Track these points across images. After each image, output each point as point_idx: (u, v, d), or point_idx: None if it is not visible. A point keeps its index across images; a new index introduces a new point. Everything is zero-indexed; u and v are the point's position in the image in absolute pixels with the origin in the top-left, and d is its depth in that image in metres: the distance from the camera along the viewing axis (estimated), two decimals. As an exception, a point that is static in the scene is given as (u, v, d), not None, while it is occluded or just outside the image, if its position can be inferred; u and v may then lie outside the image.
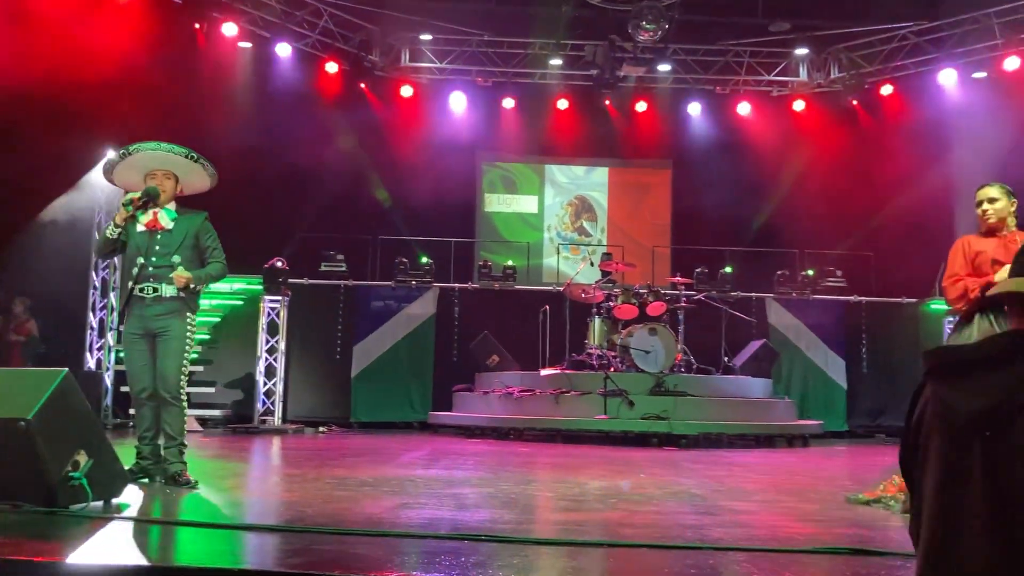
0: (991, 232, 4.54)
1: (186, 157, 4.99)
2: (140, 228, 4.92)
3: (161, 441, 4.95)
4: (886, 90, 13.38)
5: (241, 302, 12.07)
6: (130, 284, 4.86)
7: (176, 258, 4.91)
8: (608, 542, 3.36)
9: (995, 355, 1.71)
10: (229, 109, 11.58)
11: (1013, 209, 4.51)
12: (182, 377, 4.91)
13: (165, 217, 4.97)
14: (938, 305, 12.38)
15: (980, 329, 4.44)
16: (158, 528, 3.54)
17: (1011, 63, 12.14)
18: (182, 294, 4.89)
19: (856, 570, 2.91)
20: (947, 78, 12.82)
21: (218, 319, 11.97)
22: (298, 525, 3.61)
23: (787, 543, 3.42)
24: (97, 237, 11.48)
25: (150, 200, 4.89)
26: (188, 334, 4.94)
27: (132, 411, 5.05)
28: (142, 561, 2.82)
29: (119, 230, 4.91)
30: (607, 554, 3.18)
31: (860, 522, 4.06)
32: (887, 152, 12.87)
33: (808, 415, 12.08)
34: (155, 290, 4.86)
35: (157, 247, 4.90)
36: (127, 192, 5.02)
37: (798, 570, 2.91)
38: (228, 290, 12.12)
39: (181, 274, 4.87)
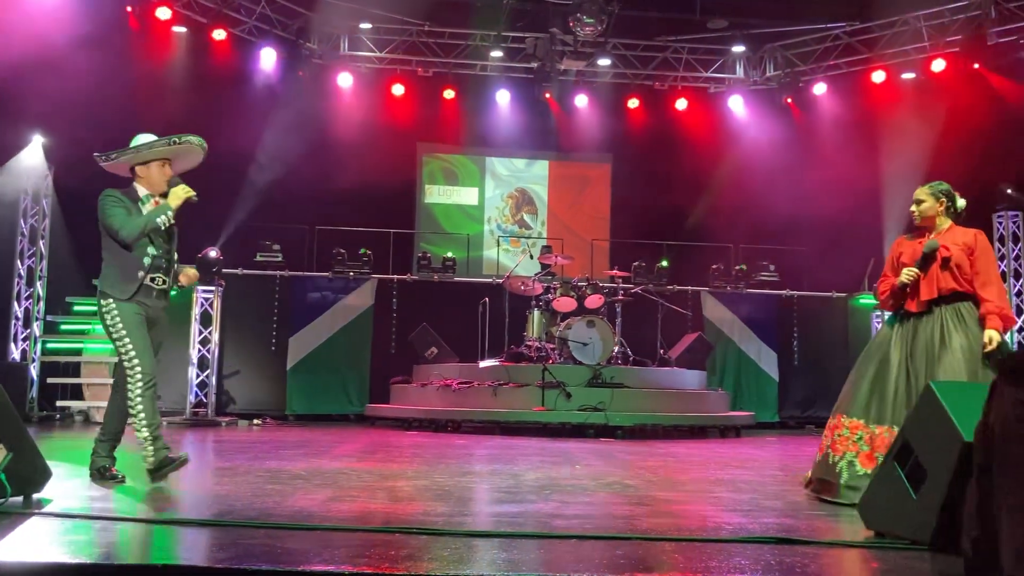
0: (920, 232, 4.70)
1: (202, 156, 4.97)
2: None
3: (103, 435, 4.81)
4: (819, 88, 13.69)
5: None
6: (140, 274, 4.70)
7: (175, 254, 4.89)
8: (539, 534, 3.38)
9: None
10: (162, 95, 11.32)
11: (942, 209, 4.61)
12: None
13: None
14: (866, 300, 12.74)
15: (887, 327, 4.65)
16: (81, 523, 3.44)
17: (938, 65, 12.53)
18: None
19: (781, 559, 2.97)
20: (878, 78, 13.18)
21: (149, 309, 11.70)
22: (226, 519, 3.56)
23: (715, 533, 3.48)
24: (21, 227, 11.13)
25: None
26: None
27: (99, 404, 4.86)
28: (63, 558, 2.75)
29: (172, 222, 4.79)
30: (538, 546, 3.20)
31: (787, 512, 4.15)
32: (820, 149, 13.18)
33: (741, 406, 12.33)
34: (164, 282, 4.81)
35: (162, 240, 4.79)
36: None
37: (724, 559, 2.96)
38: (160, 280, 11.85)
39: (196, 273, 4.96)
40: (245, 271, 12.25)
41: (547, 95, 14.14)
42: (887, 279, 4.66)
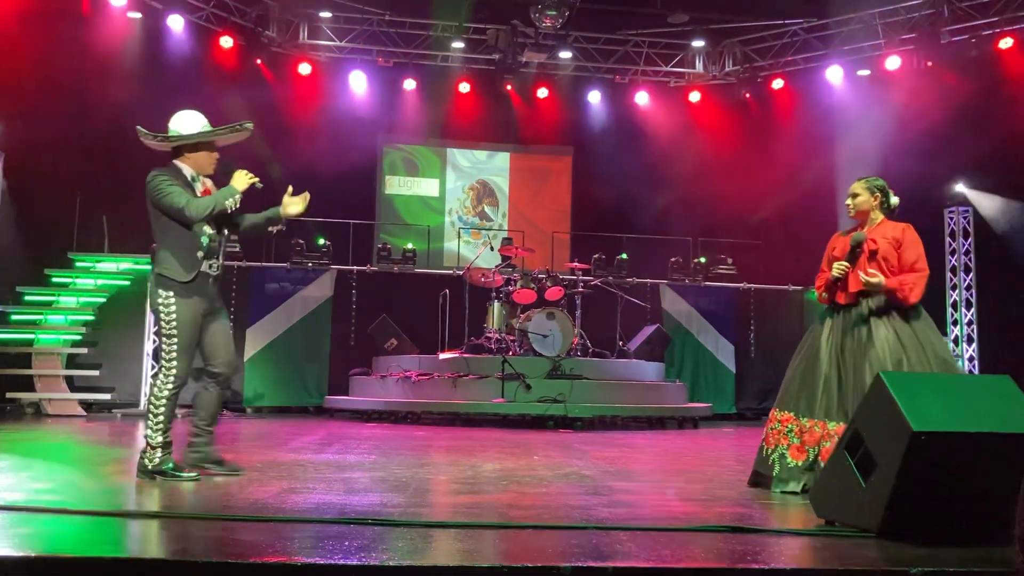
0: (854, 228, 4.77)
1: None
2: None
3: (203, 423, 4.76)
4: (777, 84, 13.84)
5: (128, 282, 11.62)
6: (200, 254, 4.57)
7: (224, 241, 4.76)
8: (496, 524, 3.38)
9: None
10: (116, 82, 11.07)
11: (876, 204, 4.69)
12: None
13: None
14: (822, 293, 12.90)
15: (819, 322, 4.74)
16: (28, 516, 3.37)
17: (892, 62, 12.75)
18: None
19: (733, 547, 3.00)
20: (834, 74, 13.37)
21: (103, 300, 11.50)
22: (177, 511, 3.51)
23: (669, 522, 3.52)
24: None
25: None
26: None
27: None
28: (8, 551, 2.69)
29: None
30: (495, 536, 3.20)
31: (740, 501, 4.20)
32: (777, 144, 13.33)
33: (698, 398, 12.44)
34: (217, 268, 4.70)
35: (212, 223, 4.64)
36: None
37: (678, 548, 2.99)
38: (115, 270, 11.65)
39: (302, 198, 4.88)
40: (202, 261, 12.07)
41: (508, 87, 14.13)
42: (823, 274, 4.73)
